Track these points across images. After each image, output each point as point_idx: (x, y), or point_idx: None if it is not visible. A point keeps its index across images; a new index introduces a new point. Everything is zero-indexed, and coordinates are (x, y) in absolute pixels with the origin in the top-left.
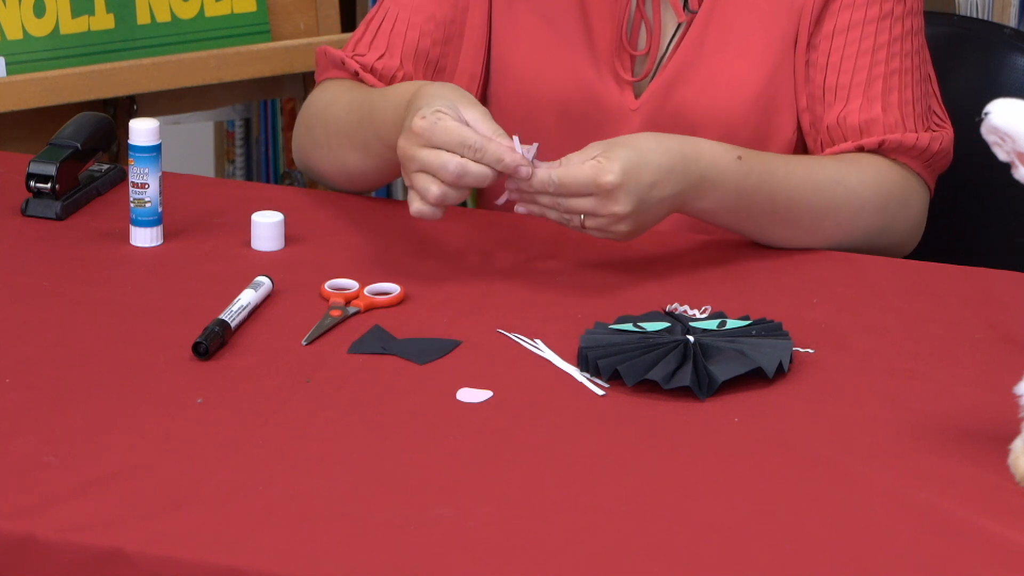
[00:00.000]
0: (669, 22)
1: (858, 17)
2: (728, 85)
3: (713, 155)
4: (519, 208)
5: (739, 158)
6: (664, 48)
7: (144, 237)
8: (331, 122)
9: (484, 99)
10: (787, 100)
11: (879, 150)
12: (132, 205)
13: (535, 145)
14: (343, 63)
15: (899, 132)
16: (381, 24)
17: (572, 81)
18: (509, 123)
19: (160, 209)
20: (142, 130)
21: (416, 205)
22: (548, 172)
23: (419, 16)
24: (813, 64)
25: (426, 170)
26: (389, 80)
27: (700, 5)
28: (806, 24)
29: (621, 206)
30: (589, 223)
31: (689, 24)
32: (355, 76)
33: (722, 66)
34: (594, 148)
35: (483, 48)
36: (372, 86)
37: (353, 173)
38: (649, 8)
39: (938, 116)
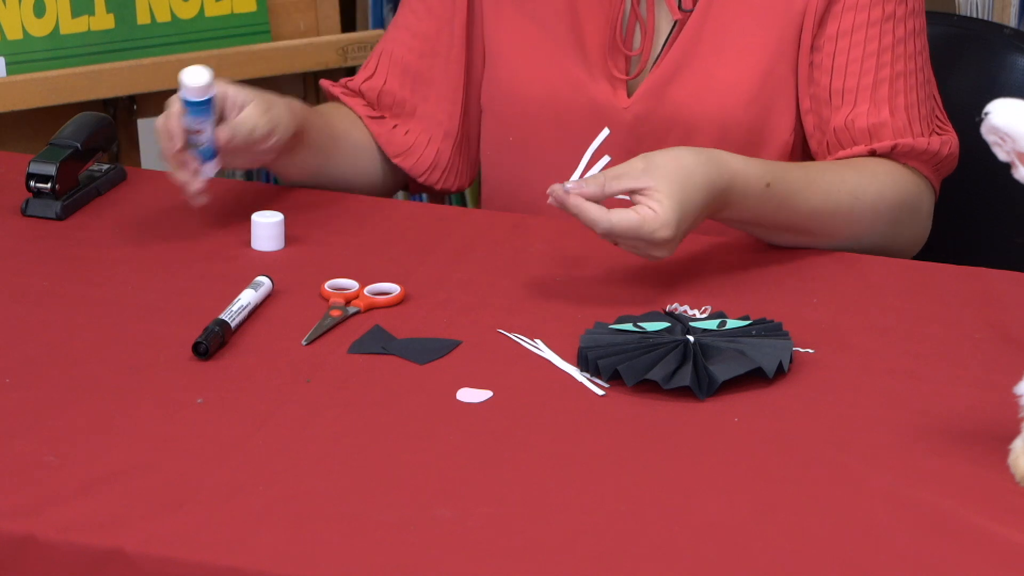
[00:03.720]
0: (663, 21)
1: (861, 19)
2: (723, 85)
3: (745, 182)
4: (552, 200)
5: (768, 185)
6: (658, 48)
7: (209, 169)
8: None
9: (477, 103)
10: (784, 102)
11: (891, 155)
12: (192, 147)
13: (605, 159)
14: (335, 96)
15: (908, 136)
16: (383, 48)
17: (563, 83)
18: (503, 126)
19: (214, 146)
20: (195, 87)
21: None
22: (602, 216)
23: (406, 33)
24: (817, 66)
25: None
26: (376, 98)
27: (695, 4)
28: (810, 26)
29: (667, 252)
30: (624, 247)
31: (683, 23)
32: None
33: (717, 66)
34: (639, 175)
35: (463, 56)
36: (352, 109)
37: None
38: (643, 7)
39: (940, 119)
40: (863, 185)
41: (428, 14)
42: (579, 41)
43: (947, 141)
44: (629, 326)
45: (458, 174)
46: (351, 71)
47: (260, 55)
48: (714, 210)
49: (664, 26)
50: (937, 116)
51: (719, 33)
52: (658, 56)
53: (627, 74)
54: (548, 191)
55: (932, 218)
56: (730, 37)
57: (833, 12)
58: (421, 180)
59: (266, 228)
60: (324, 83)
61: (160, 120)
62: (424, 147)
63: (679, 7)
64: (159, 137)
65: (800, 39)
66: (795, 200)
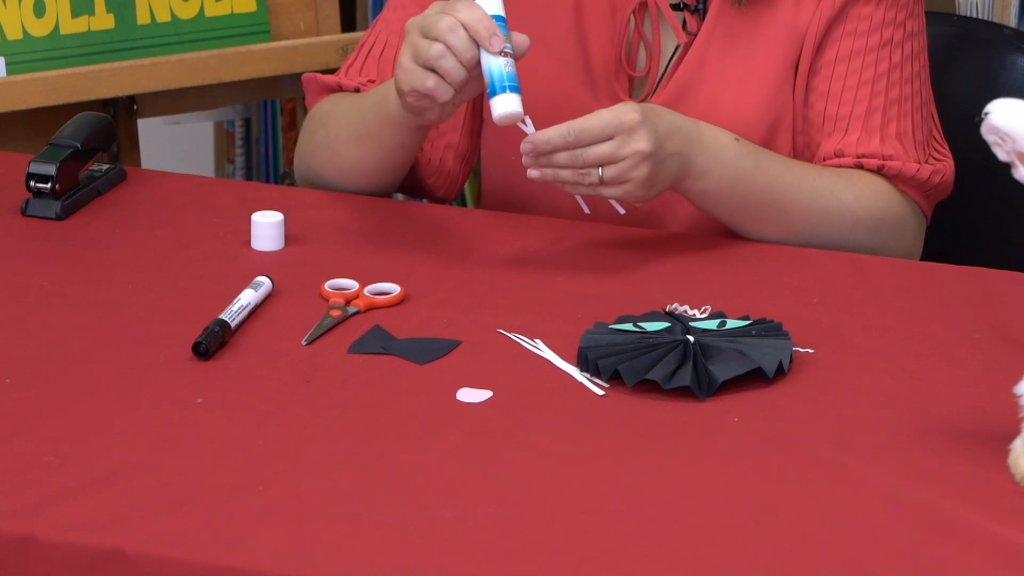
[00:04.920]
0: (668, 43)
1: (860, 45)
2: (728, 108)
3: (712, 130)
4: (532, 173)
5: (736, 139)
6: (663, 70)
7: (511, 103)
8: (333, 120)
9: (477, 121)
10: (787, 124)
11: (879, 172)
12: (504, 71)
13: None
14: (340, 87)
15: (899, 161)
16: (371, 50)
17: (565, 103)
18: (505, 145)
19: (516, 72)
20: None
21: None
22: (566, 124)
23: None
24: (813, 90)
25: (425, 32)
26: None
27: (699, 27)
28: (809, 49)
29: (644, 143)
30: (608, 172)
31: (688, 46)
32: (356, 92)
33: (722, 89)
34: (600, 111)
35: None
36: None
37: (348, 167)
38: (648, 29)
39: (937, 143)
40: (840, 185)
41: None
42: (584, 61)
43: (940, 170)
44: (629, 326)
45: (453, 183)
46: None
47: (260, 55)
48: (690, 152)
49: (669, 48)
50: (935, 139)
51: (724, 56)
52: (661, 78)
53: (631, 96)
54: (521, 149)
55: (922, 242)
56: (735, 60)
57: (833, 37)
58: (429, 181)
59: (266, 228)
60: (317, 76)
61: (469, 15)
62: (430, 151)
63: (684, 30)
64: (450, 34)
65: (799, 61)
66: (770, 170)
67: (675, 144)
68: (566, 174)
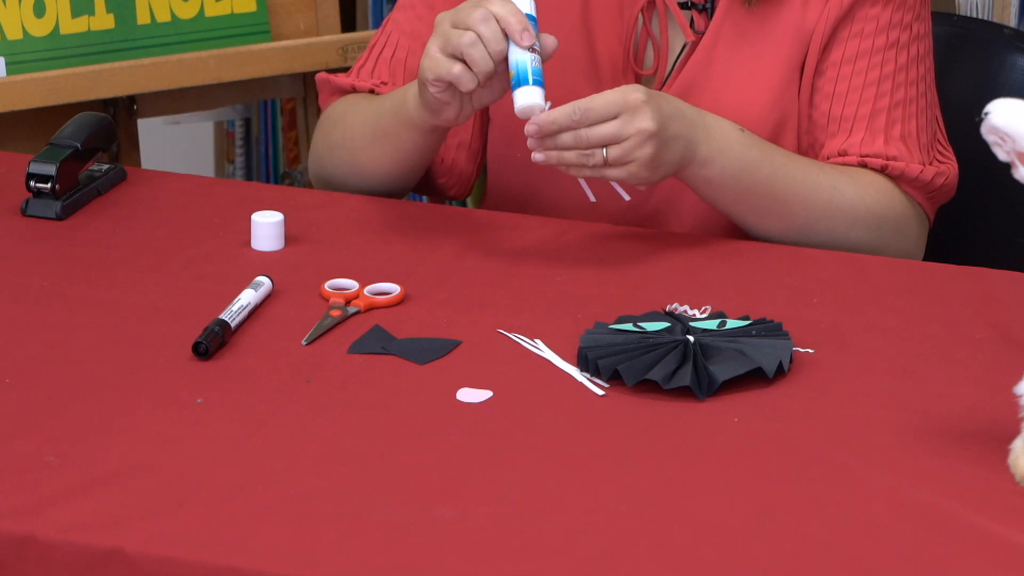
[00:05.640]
0: (676, 42)
1: (866, 46)
2: (734, 107)
3: (717, 120)
4: (536, 156)
5: (741, 130)
6: (670, 68)
7: (535, 95)
8: (349, 120)
9: (485, 119)
10: (792, 123)
11: (882, 172)
12: (531, 66)
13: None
14: (354, 88)
15: (903, 162)
16: (382, 51)
17: (571, 101)
18: (510, 140)
19: (542, 67)
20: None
21: (456, 69)
22: (571, 104)
23: (418, 43)
24: (818, 91)
25: (457, 24)
26: None
27: (707, 26)
28: (815, 50)
29: (648, 122)
30: (613, 152)
31: (695, 45)
32: (371, 93)
33: (729, 88)
34: (606, 91)
35: None
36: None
37: (363, 167)
38: (656, 27)
39: (941, 145)
40: (843, 181)
41: None
42: (591, 59)
43: (943, 172)
44: (629, 326)
45: (465, 182)
46: None
47: (260, 55)
48: (694, 137)
49: (676, 46)
50: (939, 141)
51: (731, 55)
52: (668, 76)
53: None
54: (526, 131)
55: (924, 244)
56: (742, 59)
57: (839, 38)
58: (440, 181)
59: (266, 228)
60: (330, 77)
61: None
62: (443, 151)
63: (692, 28)
64: (483, 25)
65: (805, 62)
66: (775, 162)
67: (679, 127)
68: (570, 156)
